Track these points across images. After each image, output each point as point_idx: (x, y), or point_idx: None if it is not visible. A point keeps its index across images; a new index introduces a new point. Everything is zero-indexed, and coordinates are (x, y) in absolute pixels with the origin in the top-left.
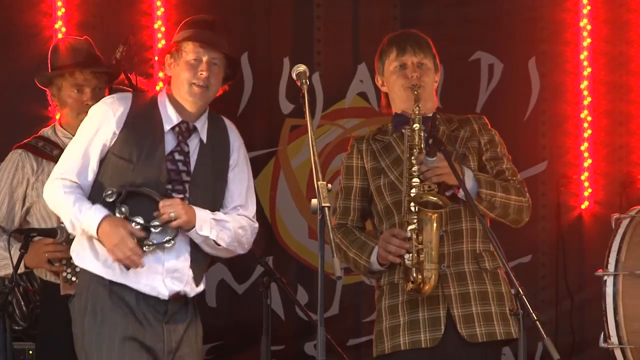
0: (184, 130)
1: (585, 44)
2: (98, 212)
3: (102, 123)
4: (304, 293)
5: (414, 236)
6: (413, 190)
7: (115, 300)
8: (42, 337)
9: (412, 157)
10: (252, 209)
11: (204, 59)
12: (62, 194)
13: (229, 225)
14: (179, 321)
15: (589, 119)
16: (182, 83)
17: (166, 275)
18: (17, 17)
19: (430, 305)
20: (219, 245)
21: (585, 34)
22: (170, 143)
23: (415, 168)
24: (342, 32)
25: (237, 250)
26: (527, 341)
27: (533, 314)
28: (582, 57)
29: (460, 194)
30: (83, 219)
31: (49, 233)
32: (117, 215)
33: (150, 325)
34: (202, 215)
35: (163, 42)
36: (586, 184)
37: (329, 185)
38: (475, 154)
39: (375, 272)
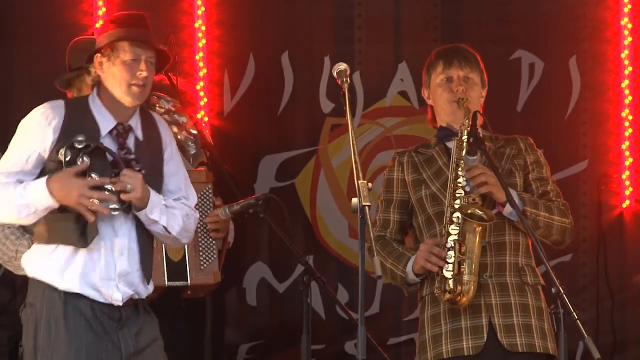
0: (122, 131)
1: (626, 42)
2: (39, 180)
3: (37, 132)
4: (344, 292)
5: (457, 246)
6: (457, 202)
7: (70, 311)
8: None
9: (459, 169)
10: (193, 199)
11: (142, 58)
12: (3, 189)
13: (177, 212)
14: (132, 324)
15: (630, 117)
16: (120, 83)
17: (119, 280)
18: (59, 17)
19: (472, 314)
20: (169, 233)
21: (626, 32)
22: (110, 147)
23: (460, 179)
24: (383, 31)
25: (183, 239)
26: (568, 340)
27: (574, 313)
28: (623, 55)
29: (505, 211)
30: (28, 194)
31: None
32: (78, 163)
33: (107, 334)
34: (155, 200)
35: (204, 41)
36: (627, 182)
37: (370, 185)
38: (522, 171)
39: (411, 283)
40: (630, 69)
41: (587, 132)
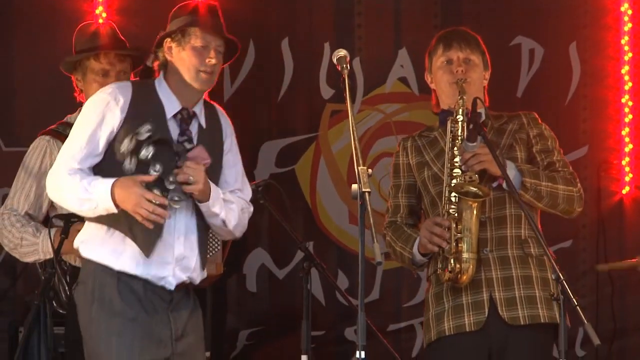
0: (186, 116)
1: (626, 28)
2: (107, 180)
3: (106, 112)
4: (344, 278)
5: (453, 225)
6: (454, 181)
7: (123, 288)
8: (71, 324)
9: (455, 148)
10: (248, 193)
11: (212, 45)
12: (66, 176)
13: (234, 207)
14: (182, 308)
15: (630, 103)
16: (189, 69)
17: (176, 264)
18: (59, 2)
19: (474, 289)
20: (226, 226)
21: (626, 18)
22: (174, 130)
23: (457, 159)
24: (383, 17)
25: (237, 233)
26: (568, 326)
27: (574, 299)
28: (623, 42)
29: (505, 184)
30: (93, 190)
31: None
32: (143, 152)
33: (157, 313)
34: (216, 193)
35: None
36: (627, 169)
37: (370, 171)
38: (524, 146)
39: (419, 264)
40: (630, 55)
41: (587, 118)
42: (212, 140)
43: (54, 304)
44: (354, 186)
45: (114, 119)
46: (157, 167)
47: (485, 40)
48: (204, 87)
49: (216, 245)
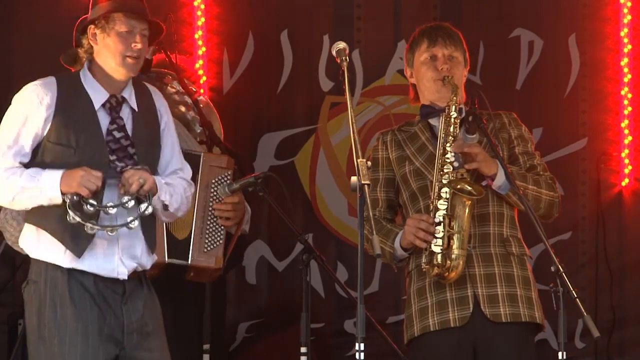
0: (115, 104)
1: (625, 20)
2: (58, 170)
3: (29, 111)
4: (343, 270)
5: (446, 221)
6: (446, 177)
7: (74, 285)
8: None
9: (447, 144)
10: (188, 172)
11: (137, 30)
12: (4, 174)
13: (177, 190)
14: (137, 299)
15: (630, 95)
16: (115, 55)
17: (122, 253)
18: None
19: (457, 285)
20: (166, 210)
21: (625, 10)
22: (104, 120)
23: (448, 155)
24: (383, 9)
25: (178, 214)
26: (567, 318)
27: (573, 291)
28: (622, 34)
29: (495, 185)
30: (41, 178)
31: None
32: (89, 208)
33: (110, 308)
34: (159, 182)
35: (203, 19)
36: (626, 161)
37: (369, 163)
38: (505, 144)
39: (400, 259)
40: (629, 47)
41: (587, 110)
42: (146, 121)
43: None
44: (353, 178)
45: (39, 118)
46: (109, 203)
47: (484, 32)
48: (131, 72)
49: (218, 239)
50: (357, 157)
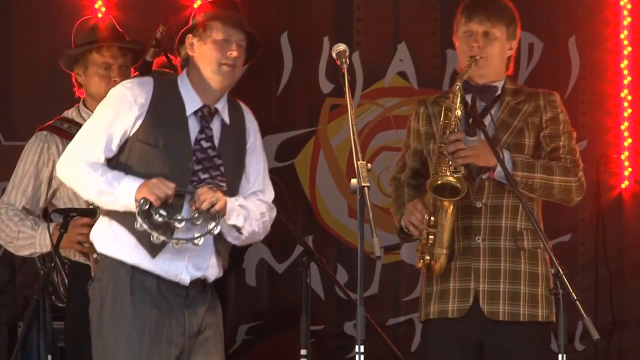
0: (207, 114)
1: (625, 22)
2: (136, 180)
3: (122, 107)
4: (343, 272)
5: (427, 218)
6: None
7: (136, 286)
8: (70, 318)
9: (444, 136)
10: (270, 195)
11: (233, 39)
12: (86, 168)
13: (252, 214)
14: (198, 305)
15: (629, 98)
16: (210, 62)
17: (188, 262)
18: None
19: (462, 277)
20: (241, 234)
21: (625, 12)
22: (193, 127)
23: (443, 145)
24: (382, 11)
25: (255, 238)
26: (567, 320)
27: (573, 293)
28: (622, 36)
29: (496, 176)
30: (118, 186)
31: (89, 213)
32: (158, 218)
33: (172, 310)
34: (230, 203)
35: None
36: (626, 163)
37: (369, 165)
38: (534, 130)
39: (400, 234)
40: (629, 49)
41: (586, 112)
42: (234, 138)
43: (53, 298)
44: (353, 180)
45: (131, 115)
46: (178, 216)
47: None
48: (226, 80)
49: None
50: (357, 159)
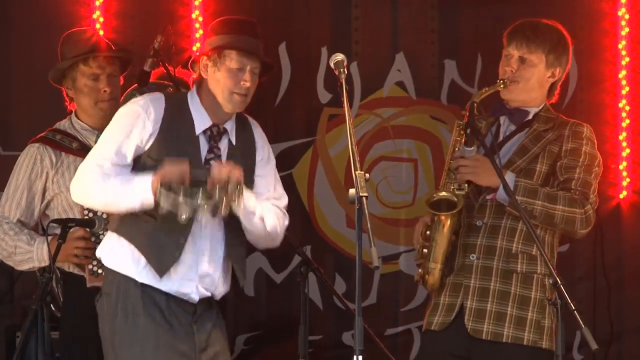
0: (216, 134)
1: (623, 33)
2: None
3: (135, 125)
4: (341, 282)
5: (423, 232)
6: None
7: (146, 300)
8: (65, 329)
9: (454, 153)
10: (284, 202)
11: (247, 68)
12: (101, 176)
13: (269, 209)
14: (206, 320)
15: (628, 108)
16: (223, 90)
17: (199, 281)
18: (56, 7)
19: (452, 292)
20: (264, 226)
21: (623, 23)
22: (202, 147)
23: (452, 162)
24: (380, 22)
25: (276, 238)
26: (565, 330)
27: (571, 304)
28: (620, 46)
29: (498, 197)
30: (135, 178)
31: (87, 223)
32: (179, 198)
33: (181, 326)
34: (247, 193)
35: (201, 31)
36: (624, 173)
37: (367, 175)
38: (550, 158)
39: None
40: (627, 59)
41: (584, 123)
42: (242, 156)
43: (52, 308)
44: (352, 190)
45: (144, 132)
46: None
47: (482, 43)
48: (236, 109)
49: None
50: (356, 169)
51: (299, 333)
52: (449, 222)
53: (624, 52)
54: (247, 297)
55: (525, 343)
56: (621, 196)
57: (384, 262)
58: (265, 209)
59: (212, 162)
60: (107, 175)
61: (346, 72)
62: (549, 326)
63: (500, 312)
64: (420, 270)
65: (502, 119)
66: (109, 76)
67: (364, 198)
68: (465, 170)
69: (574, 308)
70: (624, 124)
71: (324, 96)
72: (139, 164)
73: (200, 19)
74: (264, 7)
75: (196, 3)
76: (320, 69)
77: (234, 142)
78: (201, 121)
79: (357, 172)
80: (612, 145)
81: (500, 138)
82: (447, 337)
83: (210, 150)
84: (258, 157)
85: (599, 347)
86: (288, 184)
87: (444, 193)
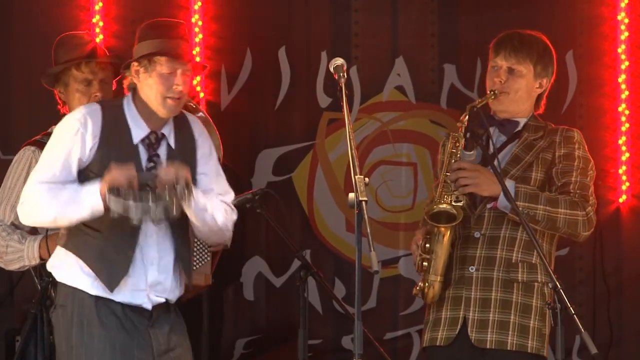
0: (154, 141)
1: (623, 37)
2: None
3: (75, 140)
4: (341, 286)
5: (422, 244)
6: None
7: (102, 309)
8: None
9: (450, 165)
10: (230, 196)
11: (178, 71)
12: (46, 191)
13: (216, 204)
14: (163, 323)
15: (627, 112)
16: (156, 95)
17: (149, 290)
18: (55, 12)
19: (453, 306)
20: (215, 222)
21: (623, 27)
22: (142, 155)
23: (448, 174)
24: (380, 26)
25: (227, 233)
26: (565, 335)
27: (570, 308)
28: (619, 50)
29: (499, 205)
30: (83, 188)
31: None
32: (128, 202)
33: (138, 332)
34: (195, 189)
35: (200, 36)
36: (624, 177)
37: (367, 179)
38: (544, 165)
39: None
40: (627, 63)
41: (584, 127)
42: (183, 157)
43: (51, 313)
44: (351, 195)
45: (84, 147)
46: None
47: (482, 48)
48: (171, 113)
49: (205, 256)
50: (355, 174)
51: (298, 337)
52: (448, 233)
53: (623, 57)
54: (247, 301)
55: (529, 351)
56: (621, 200)
57: (384, 266)
58: (214, 206)
59: (153, 171)
60: (54, 191)
61: (346, 76)
62: (549, 334)
63: (503, 320)
64: (420, 284)
65: (492, 130)
66: (101, 82)
67: (363, 202)
68: (465, 181)
69: (573, 312)
70: (623, 128)
71: (324, 100)
72: (82, 178)
73: (200, 23)
74: (263, 11)
75: (195, 7)
76: (320, 73)
77: (173, 146)
78: (138, 130)
79: (356, 177)
80: (612, 150)
81: (491, 150)
82: (452, 351)
83: (149, 159)
84: (199, 155)
85: (599, 351)
86: (288, 188)
87: (443, 205)
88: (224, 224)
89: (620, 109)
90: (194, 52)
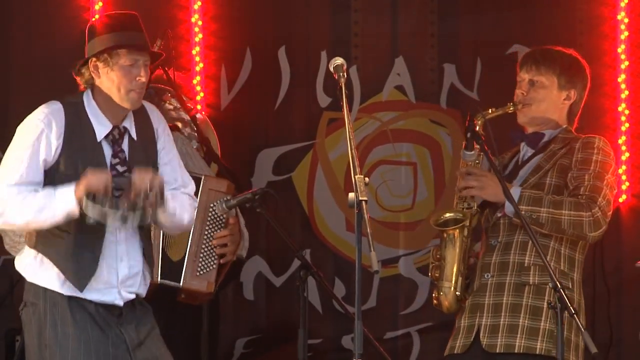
0: (118, 137)
1: (622, 37)
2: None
3: (39, 140)
4: (341, 286)
5: (434, 253)
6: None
7: (74, 307)
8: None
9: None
10: (192, 187)
11: (140, 62)
12: (17, 195)
13: (180, 198)
14: (131, 319)
15: (627, 112)
16: (119, 88)
17: (121, 286)
18: (55, 11)
19: (470, 314)
20: (182, 222)
21: (622, 27)
22: (106, 152)
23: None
24: (380, 26)
25: (184, 222)
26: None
27: (571, 308)
28: (619, 50)
29: (507, 211)
30: (56, 192)
31: None
32: (104, 208)
33: (110, 328)
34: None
35: (200, 35)
36: (624, 177)
37: (367, 179)
38: (560, 172)
39: None
40: (626, 63)
41: (584, 127)
42: (143, 148)
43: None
44: (351, 194)
45: (49, 148)
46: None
47: (481, 49)
48: (135, 105)
49: (211, 264)
50: (355, 174)
51: (298, 337)
52: (458, 239)
53: (623, 56)
54: (247, 301)
55: (538, 352)
56: (620, 200)
57: (384, 265)
58: (182, 206)
59: (117, 167)
60: (23, 194)
61: (346, 76)
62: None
63: (513, 324)
64: (435, 293)
65: (522, 145)
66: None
67: (363, 202)
68: (471, 184)
69: (573, 312)
70: (623, 128)
71: (324, 100)
72: (49, 178)
73: (200, 22)
74: (263, 10)
75: (195, 7)
76: (320, 73)
77: (134, 138)
78: (101, 127)
79: (356, 176)
80: (612, 150)
81: (519, 162)
82: (466, 358)
83: (114, 155)
84: (160, 145)
85: (599, 351)
86: (288, 188)
87: (449, 214)
88: (189, 222)
89: (620, 108)
90: (194, 52)
